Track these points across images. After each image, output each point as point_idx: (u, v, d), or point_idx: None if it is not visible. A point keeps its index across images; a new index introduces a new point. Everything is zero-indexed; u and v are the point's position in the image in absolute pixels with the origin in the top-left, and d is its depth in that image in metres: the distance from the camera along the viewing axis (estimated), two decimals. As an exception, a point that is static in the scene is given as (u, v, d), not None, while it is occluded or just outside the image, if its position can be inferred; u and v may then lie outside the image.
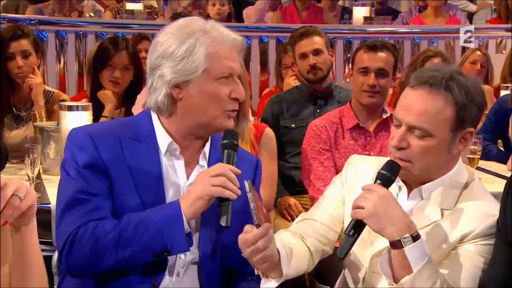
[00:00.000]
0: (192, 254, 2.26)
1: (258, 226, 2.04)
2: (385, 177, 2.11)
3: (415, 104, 2.14)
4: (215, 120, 2.26)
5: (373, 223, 2.02)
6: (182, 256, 2.24)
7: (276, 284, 2.12)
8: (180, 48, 2.21)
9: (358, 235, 2.07)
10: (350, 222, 2.06)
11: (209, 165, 2.31)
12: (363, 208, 2.03)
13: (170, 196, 2.24)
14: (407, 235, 2.00)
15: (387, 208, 2.02)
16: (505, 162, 4.10)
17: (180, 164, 2.29)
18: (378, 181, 2.11)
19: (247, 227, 2.07)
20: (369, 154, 3.67)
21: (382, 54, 3.78)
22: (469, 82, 2.17)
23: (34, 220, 1.90)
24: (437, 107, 2.13)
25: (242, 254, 2.08)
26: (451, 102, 2.13)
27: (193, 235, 2.25)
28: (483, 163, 4.10)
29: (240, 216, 2.26)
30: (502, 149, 4.60)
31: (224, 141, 2.24)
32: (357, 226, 2.06)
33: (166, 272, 2.24)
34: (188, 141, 2.30)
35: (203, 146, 2.34)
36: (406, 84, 2.24)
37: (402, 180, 2.25)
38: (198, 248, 2.27)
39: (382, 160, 2.29)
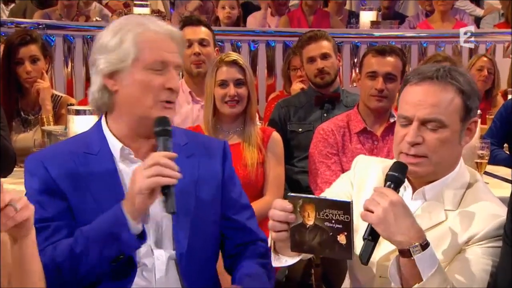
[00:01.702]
0: (169, 253, 2.27)
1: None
2: (395, 178, 2.10)
3: (425, 98, 2.16)
4: (150, 111, 2.22)
5: (382, 230, 2.00)
6: (160, 257, 2.25)
7: (291, 262, 2.12)
8: (112, 40, 2.23)
9: (378, 238, 2.04)
10: (368, 227, 2.03)
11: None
12: (373, 212, 2.01)
13: None
14: (416, 244, 1.98)
15: (397, 216, 1.99)
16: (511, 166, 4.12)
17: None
18: (388, 183, 2.09)
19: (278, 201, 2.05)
20: (376, 158, 3.67)
21: (390, 59, 3.79)
22: (468, 74, 2.24)
23: (33, 232, 1.90)
24: (448, 98, 2.16)
25: (269, 223, 2.06)
26: (458, 91, 2.17)
27: (166, 234, 2.26)
28: (490, 168, 4.10)
29: (213, 205, 2.31)
30: (508, 153, 4.59)
31: (157, 129, 2.19)
32: (375, 230, 2.03)
33: (145, 275, 2.23)
34: (138, 142, 2.29)
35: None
36: (404, 83, 2.25)
37: (408, 180, 2.25)
38: (174, 246, 2.27)
39: (387, 162, 2.30)
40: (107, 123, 2.31)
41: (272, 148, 3.77)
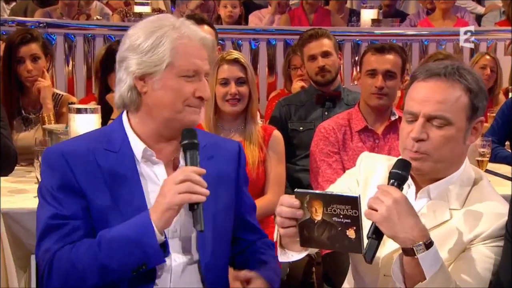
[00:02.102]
0: (190, 255, 2.27)
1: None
2: (399, 176, 2.09)
3: (432, 95, 2.16)
4: (179, 114, 2.22)
5: (386, 228, 1.99)
6: (177, 259, 2.24)
7: (298, 257, 2.13)
8: (147, 41, 2.20)
9: (382, 236, 2.03)
10: (372, 225, 2.03)
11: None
12: (377, 211, 1.99)
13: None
14: (420, 243, 1.97)
15: (401, 214, 1.98)
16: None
17: (160, 169, 2.26)
18: (392, 180, 2.08)
19: (285, 197, 2.05)
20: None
21: (389, 56, 3.80)
22: (476, 73, 2.23)
23: None
24: (454, 95, 2.15)
25: (276, 220, 2.07)
26: (465, 89, 2.16)
27: (187, 238, 2.26)
28: (491, 166, 4.10)
29: (230, 208, 2.33)
30: (509, 151, 4.59)
31: (184, 142, 2.19)
32: (379, 228, 2.02)
33: (162, 276, 2.22)
34: (161, 144, 2.27)
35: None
36: (412, 80, 2.24)
37: (412, 178, 2.24)
38: (197, 249, 2.27)
39: (393, 159, 2.29)
40: (129, 120, 2.30)
41: (273, 146, 3.76)
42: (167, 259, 2.21)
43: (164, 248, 2.14)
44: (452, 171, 2.22)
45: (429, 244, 1.99)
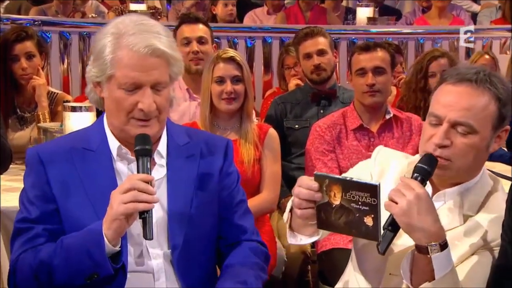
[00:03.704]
0: (166, 251, 2.25)
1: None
2: (425, 171, 2.05)
3: (459, 100, 2.11)
4: (124, 126, 2.20)
5: (403, 223, 1.95)
6: (156, 256, 2.23)
7: (306, 242, 2.14)
8: (96, 47, 2.19)
9: (398, 230, 1.99)
10: (389, 217, 1.98)
11: (168, 163, 2.29)
12: (397, 203, 1.95)
13: None
14: (435, 243, 1.94)
15: (421, 211, 1.94)
16: (508, 163, 4.11)
17: (135, 168, 2.22)
18: (416, 175, 2.04)
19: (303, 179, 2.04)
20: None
21: (376, 53, 3.82)
22: (506, 81, 2.19)
23: None
24: (482, 103, 2.11)
25: (293, 201, 2.06)
26: (494, 98, 2.12)
27: (162, 233, 2.24)
28: (487, 164, 4.08)
29: (211, 205, 2.30)
30: (505, 149, 4.59)
31: (136, 148, 2.15)
32: (396, 221, 1.98)
33: (142, 275, 2.22)
34: (132, 144, 2.22)
35: (156, 144, 2.28)
36: (441, 81, 2.20)
37: (429, 180, 2.18)
38: (169, 248, 2.25)
39: (411, 158, 2.27)
40: (108, 119, 2.29)
41: (269, 144, 3.76)
42: (146, 258, 2.22)
43: (117, 258, 2.13)
44: (470, 177, 2.19)
45: (444, 245, 1.95)
